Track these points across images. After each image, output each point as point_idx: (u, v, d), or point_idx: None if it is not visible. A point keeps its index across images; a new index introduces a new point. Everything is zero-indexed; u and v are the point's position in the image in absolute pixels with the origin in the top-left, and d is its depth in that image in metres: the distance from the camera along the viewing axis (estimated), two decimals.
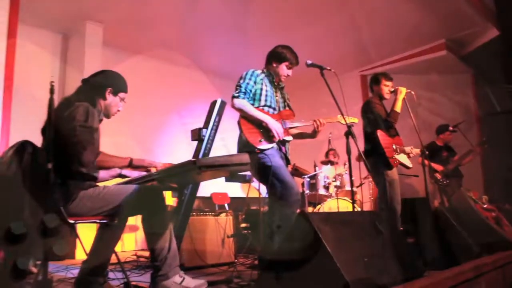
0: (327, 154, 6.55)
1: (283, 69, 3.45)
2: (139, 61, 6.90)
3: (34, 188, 1.96)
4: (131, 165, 2.51)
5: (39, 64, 5.89)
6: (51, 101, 1.82)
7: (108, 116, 2.57)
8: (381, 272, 1.84)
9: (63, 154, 2.19)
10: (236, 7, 5.84)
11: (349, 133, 2.99)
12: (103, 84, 2.49)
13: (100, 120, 2.43)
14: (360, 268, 1.75)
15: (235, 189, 7.43)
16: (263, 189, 6.17)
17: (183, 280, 2.29)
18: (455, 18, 6.36)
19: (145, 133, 6.84)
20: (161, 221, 2.31)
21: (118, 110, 2.61)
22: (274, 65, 3.46)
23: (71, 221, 2.16)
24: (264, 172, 3.10)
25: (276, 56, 3.47)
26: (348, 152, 3.02)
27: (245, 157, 2.17)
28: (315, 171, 6.20)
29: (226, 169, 2.12)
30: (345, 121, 3.15)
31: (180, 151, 7.02)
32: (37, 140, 2.19)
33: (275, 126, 3.17)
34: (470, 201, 3.16)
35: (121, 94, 2.57)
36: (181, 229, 2.62)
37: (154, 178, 2.36)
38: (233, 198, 6.56)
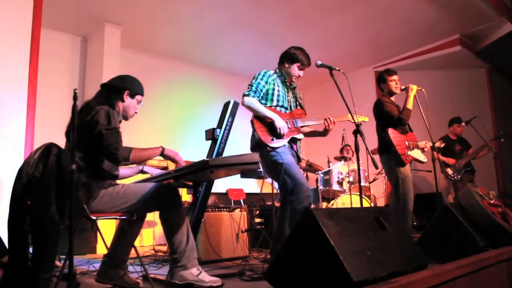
0: (341, 150, 6.64)
1: (295, 70, 3.56)
2: (156, 62, 7.07)
3: (59, 187, 2.13)
4: (162, 154, 2.64)
5: (59, 66, 6.09)
6: (74, 107, 1.97)
7: (126, 118, 2.73)
8: (384, 265, 1.94)
9: (89, 156, 2.35)
10: (251, 6, 5.94)
11: (357, 132, 3.09)
12: (121, 87, 2.65)
13: (119, 122, 2.59)
14: (363, 261, 1.86)
15: (251, 185, 7.57)
16: (277, 185, 6.33)
17: (200, 273, 2.43)
18: (469, 13, 6.37)
19: (163, 132, 7.00)
20: (178, 216, 2.45)
21: (136, 112, 2.77)
22: (287, 65, 3.58)
23: (93, 217, 2.31)
24: (276, 169, 3.23)
25: (289, 57, 3.59)
26: (357, 149, 3.12)
27: (255, 156, 2.29)
28: (329, 167, 6.31)
29: (237, 168, 2.25)
30: (354, 120, 3.25)
31: (197, 149, 7.21)
32: (59, 141, 2.35)
33: (281, 124, 3.29)
34: (476, 196, 3.22)
35: (138, 97, 2.73)
36: (196, 225, 2.75)
37: (171, 176, 2.50)
38: (248, 194, 6.70)
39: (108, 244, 2.65)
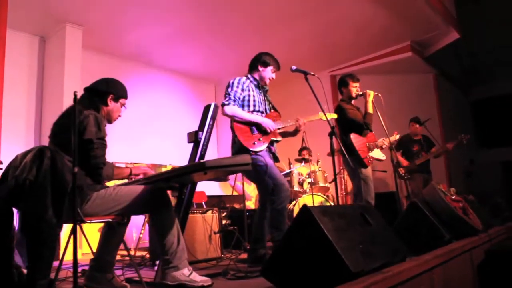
0: (300, 152, 6.81)
1: (269, 73, 3.73)
2: (118, 64, 6.97)
3: (54, 190, 2.12)
4: (130, 174, 2.69)
5: (15, 67, 5.87)
6: (74, 109, 1.97)
7: (110, 121, 2.73)
8: (375, 257, 2.09)
9: (80, 159, 2.34)
10: (215, 12, 6.01)
11: (332, 134, 3.25)
12: (105, 91, 2.65)
13: (104, 125, 2.59)
14: (357, 254, 1.99)
15: (212, 188, 7.61)
16: (239, 188, 6.41)
17: (191, 273, 2.47)
18: (420, 21, 6.75)
19: (123, 135, 6.91)
20: (169, 218, 2.48)
21: (119, 116, 2.78)
22: (261, 69, 3.72)
23: (88, 221, 2.31)
24: (258, 172, 3.34)
25: (262, 61, 3.74)
26: (332, 151, 3.28)
27: (247, 158, 2.37)
28: (289, 168, 6.47)
29: (231, 169, 2.32)
30: (327, 119, 3.42)
31: (157, 151, 7.19)
32: (18, 141, 2.30)
33: (268, 123, 3.44)
34: (440, 193, 3.47)
35: (122, 100, 2.74)
36: (182, 226, 2.78)
37: (161, 178, 2.53)
38: (210, 196, 6.74)
39: (94, 248, 2.64)
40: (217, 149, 8.65)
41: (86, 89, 2.67)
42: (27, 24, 5.90)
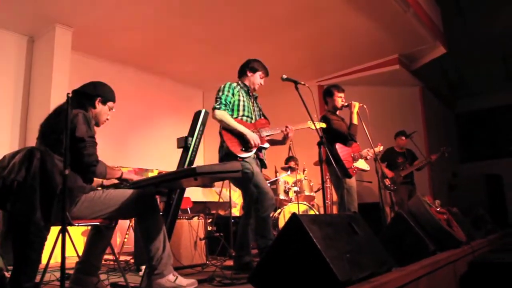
0: (287, 161, 6.84)
1: (257, 78, 3.77)
2: (107, 67, 6.94)
3: (43, 192, 2.10)
4: (121, 177, 2.68)
5: (2, 66, 5.81)
6: (67, 110, 1.97)
7: (98, 124, 2.71)
8: (361, 267, 2.11)
9: (71, 160, 2.32)
10: (204, 19, 6.04)
11: (321, 143, 3.27)
12: (93, 94, 2.63)
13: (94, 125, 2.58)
14: (344, 264, 2.01)
15: (196, 194, 7.59)
16: (224, 195, 6.40)
17: (176, 279, 2.45)
18: (408, 35, 6.88)
19: (110, 138, 6.86)
20: (156, 223, 2.46)
21: (107, 119, 2.76)
22: (249, 74, 3.76)
23: (75, 224, 2.28)
24: (243, 179, 3.34)
25: (250, 67, 3.78)
26: (321, 160, 3.29)
27: (237, 165, 2.38)
28: (276, 177, 6.49)
29: (221, 175, 2.33)
30: (315, 127, 3.44)
31: (144, 156, 7.15)
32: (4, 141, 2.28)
33: (253, 137, 3.44)
34: (425, 205, 3.52)
35: (110, 103, 2.73)
36: (170, 231, 2.77)
37: (152, 182, 2.52)
38: (194, 202, 6.71)
39: (80, 251, 2.62)
40: (204, 155, 8.63)
41: (74, 92, 2.65)
42: (15, 23, 5.86)
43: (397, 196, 6.28)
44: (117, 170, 2.61)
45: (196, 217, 4.41)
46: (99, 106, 2.66)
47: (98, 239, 2.66)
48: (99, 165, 2.42)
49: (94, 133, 2.46)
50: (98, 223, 2.41)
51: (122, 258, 4.85)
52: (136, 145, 7.24)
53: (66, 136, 1.94)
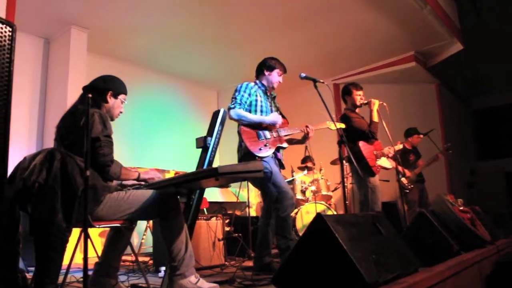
0: (303, 161, 6.79)
1: (275, 76, 3.73)
2: (123, 68, 6.94)
3: (64, 193, 2.08)
4: (138, 178, 2.66)
5: (21, 68, 5.85)
6: (87, 112, 1.95)
7: (112, 118, 2.67)
8: (387, 268, 2.06)
9: (92, 159, 2.30)
10: (219, 18, 6.03)
11: (341, 142, 3.22)
12: (103, 88, 2.60)
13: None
14: (370, 265, 1.96)
15: (213, 194, 7.57)
16: (240, 195, 6.37)
17: (198, 281, 2.43)
18: (424, 32, 6.77)
19: (126, 139, 6.88)
20: (178, 224, 2.44)
21: (121, 112, 2.73)
22: (267, 73, 3.73)
23: (96, 226, 2.27)
24: (263, 178, 3.31)
25: (267, 66, 3.75)
26: (341, 159, 3.25)
27: (259, 164, 2.34)
28: (292, 176, 6.45)
29: (243, 175, 2.29)
30: (336, 127, 3.40)
31: (161, 157, 7.15)
32: (23, 142, 2.25)
33: (273, 118, 3.45)
34: (448, 204, 3.45)
35: (122, 96, 2.69)
36: (189, 233, 2.74)
37: (171, 183, 2.49)
38: (211, 203, 6.70)
39: (99, 252, 2.61)
40: (219, 155, 8.62)
41: (84, 88, 2.63)
42: (32, 26, 5.89)
43: (410, 195, 6.18)
44: (133, 172, 2.58)
45: (214, 218, 4.39)
46: (111, 100, 2.63)
47: (117, 240, 2.65)
48: (114, 165, 2.39)
49: (111, 133, 2.43)
50: (119, 225, 2.39)
51: (140, 259, 4.84)
52: (151, 146, 7.25)
53: (87, 137, 1.92)
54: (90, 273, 2.58)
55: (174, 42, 6.64)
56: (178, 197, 2.82)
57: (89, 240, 2.39)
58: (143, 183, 2.64)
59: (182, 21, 6.06)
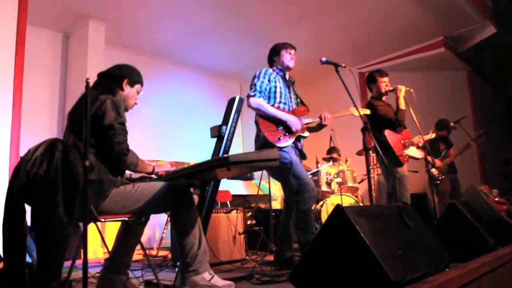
0: (329, 152, 6.60)
1: (285, 55, 3.57)
2: (142, 60, 6.86)
3: (66, 186, 1.97)
4: (153, 172, 2.53)
5: (40, 63, 5.85)
6: (87, 97, 1.83)
7: (126, 108, 2.54)
8: (415, 264, 1.87)
9: (100, 150, 2.19)
10: (240, 7, 5.89)
11: (365, 129, 3.02)
12: (120, 75, 2.48)
13: (124, 110, 2.43)
14: (397, 261, 1.78)
15: (237, 187, 7.46)
16: (264, 187, 6.25)
17: (212, 278, 2.29)
18: (454, 15, 6.45)
19: (150, 131, 6.84)
20: (191, 217, 2.30)
21: (136, 103, 2.60)
22: (276, 58, 3.60)
23: (102, 220, 2.15)
24: (282, 169, 3.15)
25: (272, 51, 3.63)
26: (365, 148, 3.05)
27: (274, 153, 2.18)
28: (317, 167, 6.27)
29: (256, 164, 2.13)
30: (359, 114, 3.21)
31: (183, 149, 7.06)
32: (44, 137, 2.17)
33: (294, 122, 3.24)
34: (482, 194, 3.22)
35: (137, 86, 2.56)
36: (204, 226, 2.61)
37: (182, 175, 2.36)
38: (234, 196, 6.60)
39: (96, 251, 2.50)
40: (242, 145, 8.47)
41: (99, 75, 2.52)
42: (50, 21, 5.89)
43: (441, 186, 5.91)
44: (149, 165, 2.46)
45: (235, 211, 4.26)
46: (127, 88, 2.50)
47: (128, 236, 2.53)
48: (130, 155, 2.28)
49: (125, 120, 2.30)
50: (127, 219, 2.27)
51: (161, 253, 4.78)
52: (174, 139, 7.17)
53: (86, 125, 1.79)
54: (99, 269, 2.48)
55: (194, 32, 6.52)
56: (192, 189, 2.70)
57: (99, 235, 2.30)
58: (153, 176, 2.51)
59: (203, 11, 5.93)
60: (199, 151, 7.02)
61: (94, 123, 2.17)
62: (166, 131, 7.14)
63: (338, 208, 1.85)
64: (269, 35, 6.56)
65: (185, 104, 7.60)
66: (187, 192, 2.35)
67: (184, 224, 2.30)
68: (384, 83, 4.24)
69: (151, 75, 7.10)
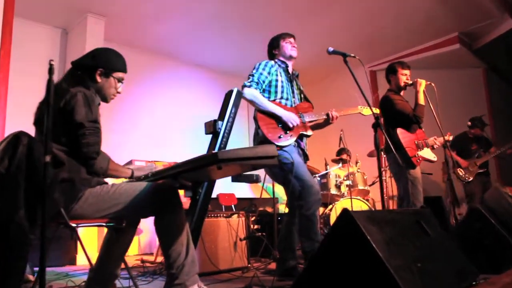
0: (338, 153, 6.31)
1: (285, 46, 3.35)
2: (141, 57, 6.66)
3: (29, 185, 1.70)
4: (132, 176, 2.26)
5: (37, 60, 5.64)
6: (50, 82, 1.55)
7: (105, 100, 2.25)
8: (437, 280, 1.58)
9: (72, 147, 1.93)
10: (245, 2, 5.65)
11: (377, 125, 2.72)
12: (92, 65, 2.17)
13: (98, 104, 2.14)
14: (415, 275, 1.49)
15: (242, 189, 7.18)
16: (272, 190, 5.98)
17: None
18: (470, 9, 6.10)
19: (150, 130, 6.61)
20: (177, 223, 2.03)
21: (118, 92, 2.28)
22: (276, 51, 3.38)
23: (73, 224, 1.88)
24: (283, 170, 2.87)
25: (271, 44, 3.44)
26: (377, 146, 2.75)
27: (272, 149, 1.89)
28: (326, 169, 5.98)
29: (251, 162, 1.85)
30: (372, 111, 2.91)
31: (183, 148, 6.80)
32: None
33: (290, 117, 2.96)
34: (507, 197, 2.90)
35: (117, 74, 2.23)
36: (196, 232, 2.34)
37: (169, 174, 2.08)
38: (239, 199, 6.33)
39: (92, 257, 2.23)
40: (248, 144, 8.18)
41: (72, 63, 2.24)
42: (48, 15, 5.71)
43: (469, 188, 5.56)
44: (125, 169, 2.19)
45: (236, 215, 3.97)
46: (101, 80, 2.18)
47: (114, 244, 2.26)
48: (101, 158, 2.01)
49: (98, 117, 2.02)
50: (104, 224, 1.99)
51: (160, 258, 4.53)
52: (173, 138, 6.91)
53: (47, 114, 1.51)
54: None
55: (197, 28, 6.27)
56: (184, 192, 2.43)
57: (79, 242, 2.02)
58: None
59: (205, 6, 5.68)
60: (200, 151, 6.77)
61: (64, 119, 1.91)
62: (166, 131, 6.89)
63: (346, 213, 1.56)
64: (273, 31, 6.30)
65: (187, 103, 7.32)
66: (174, 194, 2.06)
67: (170, 230, 2.02)
68: (405, 76, 3.92)
69: (151, 73, 6.89)
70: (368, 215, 1.63)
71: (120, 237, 2.27)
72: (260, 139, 2.97)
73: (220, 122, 2.54)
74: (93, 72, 2.17)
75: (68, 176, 1.87)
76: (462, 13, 6.24)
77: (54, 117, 1.90)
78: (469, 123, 5.86)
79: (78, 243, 4.12)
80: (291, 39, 3.36)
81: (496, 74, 8.29)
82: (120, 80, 2.26)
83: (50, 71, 1.53)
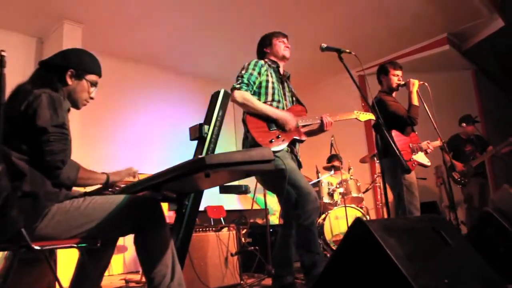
0: (329, 160, 6.10)
1: (278, 44, 3.14)
2: (122, 65, 6.41)
3: None
4: (108, 182, 1.99)
5: (11, 71, 5.34)
6: (1, 76, 1.30)
7: (76, 106, 2.01)
8: None
9: (35, 156, 1.67)
10: (229, 7, 5.47)
11: (378, 126, 2.51)
12: (62, 65, 1.94)
13: (68, 110, 1.89)
14: None
15: (230, 201, 6.93)
16: (262, 201, 5.74)
17: None
18: (459, 9, 6.00)
19: (131, 140, 6.33)
20: (160, 241, 1.77)
21: (91, 98, 2.04)
22: (268, 50, 3.16)
23: (36, 247, 1.60)
24: (276, 178, 2.62)
25: (263, 43, 3.22)
26: (378, 147, 2.54)
27: (268, 152, 1.65)
28: (317, 177, 5.78)
29: (244, 168, 1.60)
30: (374, 111, 2.74)
31: (171, 158, 6.51)
32: None
33: (286, 118, 2.75)
34: None
35: (90, 77, 2.00)
36: (183, 250, 2.07)
37: (149, 185, 1.82)
38: (228, 211, 6.08)
39: (67, 280, 1.96)
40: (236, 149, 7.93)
41: (40, 63, 1.98)
42: (23, 23, 5.47)
43: (466, 191, 5.40)
44: (99, 174, 1.93)
45: (226, 229, 3.72)
46: (72, 82, 1.94)
47: (91, 262, 1.97)
48: (69, 167, 1.75)
49: (65, 121, 1.77)
50: (75, 245, 1.71)
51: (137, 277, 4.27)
52: (157, 149, 6.62)
53: (0, 114, 1.26)
54: None
55: (180, 35, 6.07)
56: (168, 205, 2.18)
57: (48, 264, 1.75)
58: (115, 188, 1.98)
59: (187, 12, 5.49)
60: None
61: (25, 124, 1.65)
62: (149, 142, 6.62)
63: (359, 222, 1.32)
64: (258, 35, 6.12)
65: (170, 114, 7.05)
66: (156, 207, 1.81)
67: (152, 249, 1.76)
68: (397, 77, 3.77)
69: (132, 82, 6.62)
70: (384, 225, 1.39)
71: (96, 257, 2.00)
72: (249, 143, 2.74)
73: (206, 126, 2.29)
74: (63, 73, 1.92)
75: (30, 189, 1.60)
76: (451, 13, 6.14)
77: (15, 122, 1.65)
78: (464, 124, 5.70)
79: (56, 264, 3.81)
80: (285, 39, 3.17)
81: (485, 76, 8.21)
82: (93, 84, 2.01)
83: (1, 63, 1.28)
